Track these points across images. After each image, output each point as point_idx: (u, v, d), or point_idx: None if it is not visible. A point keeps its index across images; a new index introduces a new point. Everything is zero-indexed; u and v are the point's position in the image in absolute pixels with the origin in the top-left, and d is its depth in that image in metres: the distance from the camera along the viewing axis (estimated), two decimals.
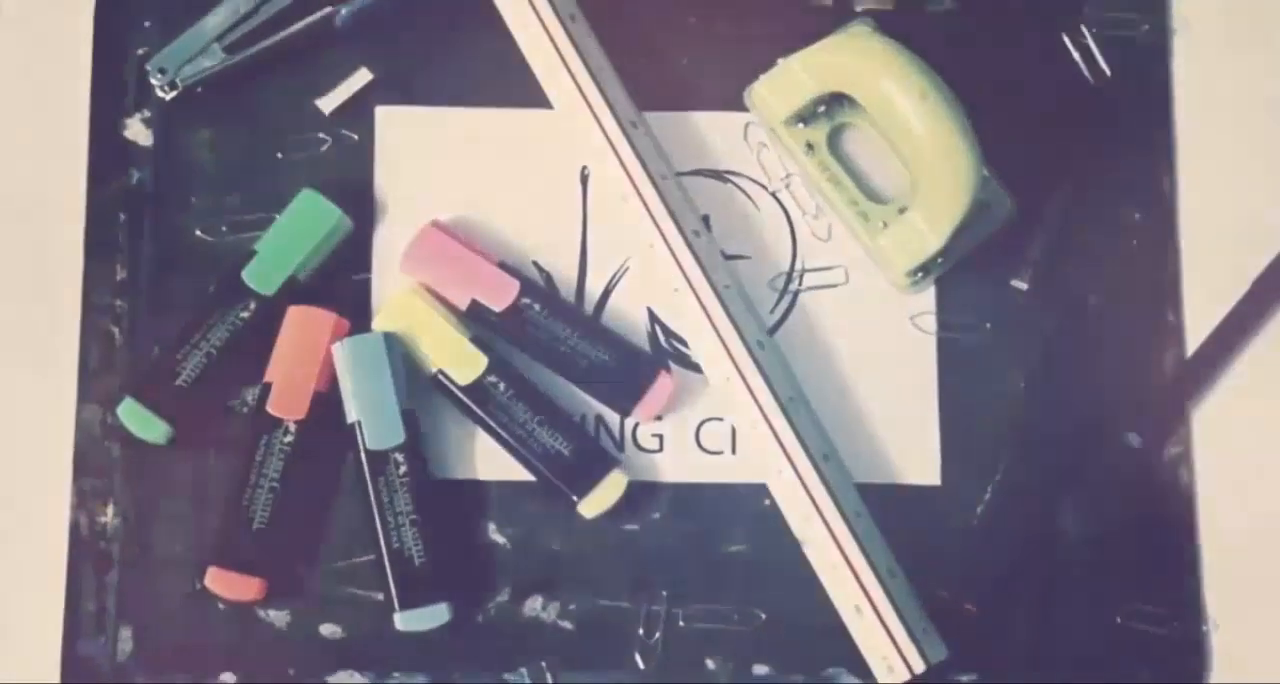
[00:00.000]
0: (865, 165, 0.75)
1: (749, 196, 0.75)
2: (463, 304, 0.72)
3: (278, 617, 0.71)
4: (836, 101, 0.74)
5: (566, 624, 0.71)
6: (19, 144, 0.75)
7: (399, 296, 0.72)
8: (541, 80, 0.74)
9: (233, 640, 0.71)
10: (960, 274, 0.74)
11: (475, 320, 0.73)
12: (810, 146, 0.74)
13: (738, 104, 0.75)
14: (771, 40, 0.75)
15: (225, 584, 0.70)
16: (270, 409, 0.70)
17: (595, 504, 0.71)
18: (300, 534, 0.72)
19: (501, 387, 0.72)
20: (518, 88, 0.75)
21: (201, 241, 0.74)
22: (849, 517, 0.70)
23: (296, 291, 0.72)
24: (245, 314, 0.72)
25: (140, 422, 0.71)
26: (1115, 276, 0.75)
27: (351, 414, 0.70)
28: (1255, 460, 0.74)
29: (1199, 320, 0.75)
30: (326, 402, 0.71)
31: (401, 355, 0.71)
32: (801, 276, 0.74)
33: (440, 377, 0.72)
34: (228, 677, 0.71)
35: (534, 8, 0.73)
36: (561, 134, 0.74)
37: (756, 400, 0.71)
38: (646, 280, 0.74)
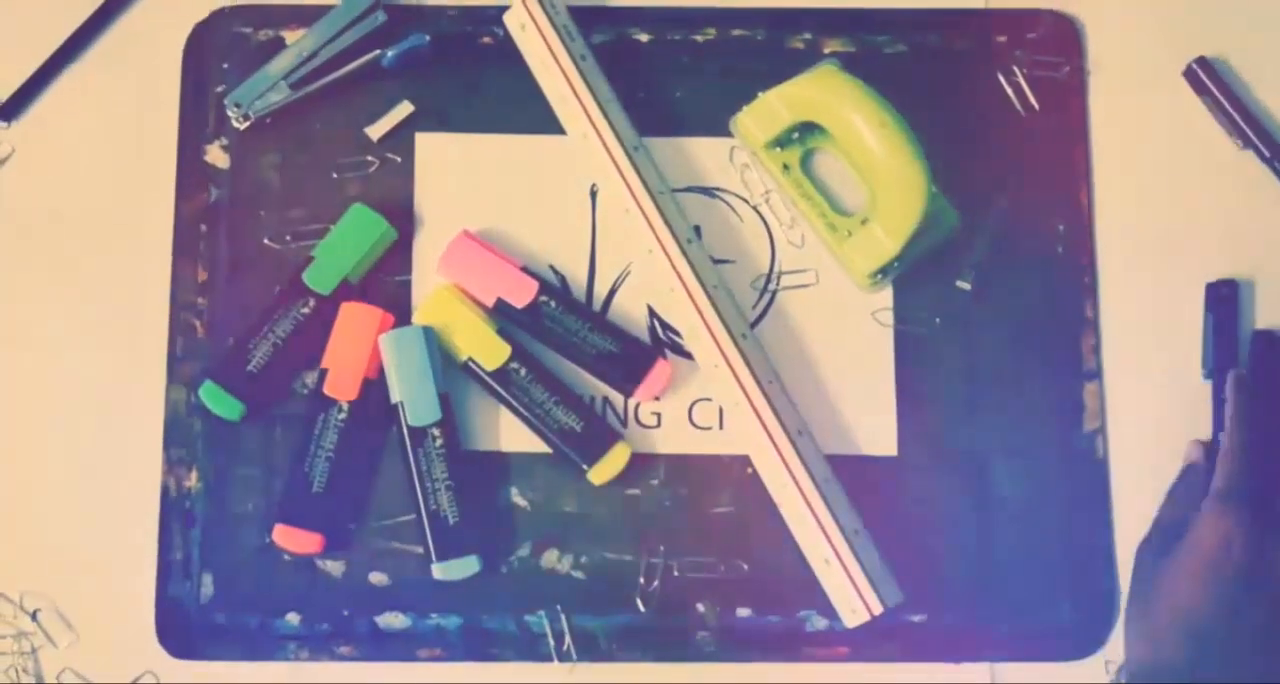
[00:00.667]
0: (833, 183, 0.76)
1: (734, 210, 0.76)
2: (489, 301, 0.74)
3: (334, 566, 0.73)
4: (808, 129, 0.75)
5: (578, 574, 0.73)
6: (119, 166, 0.77)
7: (435, 294, 0.73)
8: (557, 111, 0.75)
9: (297, 586, 0.73)
10: (913, 277, 0.76)
11: (500, 315, 0.74)
12: (786, 167, 0.75)
13: (724, 131, 0.77)
14: (752, 77, 0.77)
15: (290, 539, 0.72)
16: (327, 391, 0.72)
17: (603, 472, 0.72)
18: (352, 497, 0.73)
19: (523, 372, 0.73)
20: (537, 118, 0.76)
21: (269, 249, 0.76)
22: (819, 482, 0.71)
23: (349, 290, 0.74)
24: (306, 310, 0.74)
25: (218, 401, 0.73)
26: (1043, 278, 0.76)
27: (395, 395, 0.72)
28: (1159, 435, 0.76)
29: (1113, 316, 0.76)
30: (374, 386, 0.73)
31: (438, 346, 0.72)
32: (779, 278, 0.76)
33: (470, 363, 0.73)
34: (292, 617, 0.73)
35: (551, 50, 0.74)
36: (574, 157, 0.76)
37: (740, 383, 0.72)
38: (646, 281, 0.75)
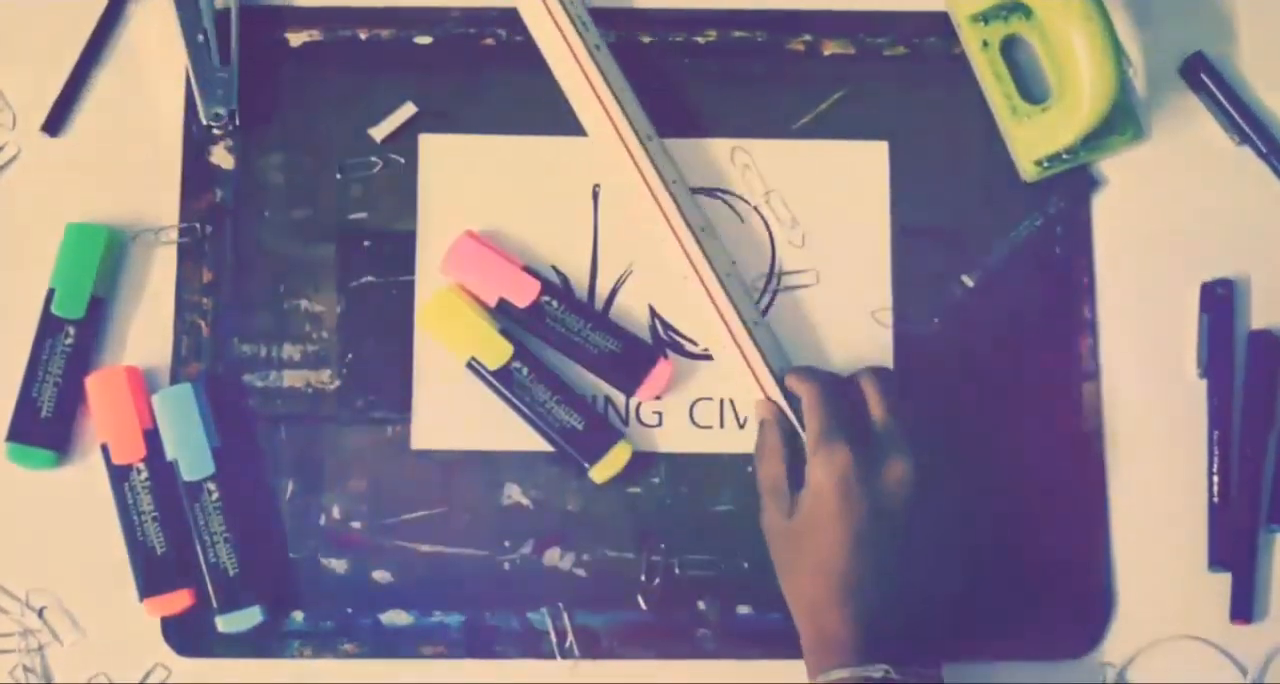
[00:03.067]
0: (1024, 71, 0.77)
1: (734, 210, 0.76)
2: (492, 301, 0.73)
3: (338, 564, 0.72)
4: (1015, 10, 0.76)
5: (580, 572, 0.72)
6: (128, 166, 0.76)
7: (438, 294, 0.73)
8: (573, 102, 0.74)
9: (301, 584, 0.72)
10: (913, 275, 0.75)
11: (503, 315, 0.73)
12: (985, 43, 0.76)
13: (725, 132, 0.76)
14: (752, 79, 0.76)
15: (161, 607, 0.71)
16: (116, 461, 0.71)
17: (604, 470, 0.72)
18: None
19: (525, 371, 0.72)
20: (540, 119, 0.76)
21: (273, 249, 0.75)
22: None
23: (101, 305, 0.73)
24: (69, 340, 0.72)
25: (28, 457, 0.72)
26: (1041, 278, 0.76)
27: (170, 452, 0.71)
28: (1156, 430, 0.75)
29: (1111, 316, 0.76)
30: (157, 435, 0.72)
31: (207, 401, 0.72)
32: (779, 278, 0.75)
33: (474, 363, 0.72)
34: (297, 614, 0.72)
35: (566, 40, 0.73)
36: (577, 158, 0.75)
37: (751, 368, 0.72)
38: (648, 280, 0.74)
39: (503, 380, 0.73)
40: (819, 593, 0.66)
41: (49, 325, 0.72)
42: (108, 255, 0.73)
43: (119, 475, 0.71)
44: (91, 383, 0.72)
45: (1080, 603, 0.73)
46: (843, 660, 0.65)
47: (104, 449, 0.72)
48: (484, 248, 0.73)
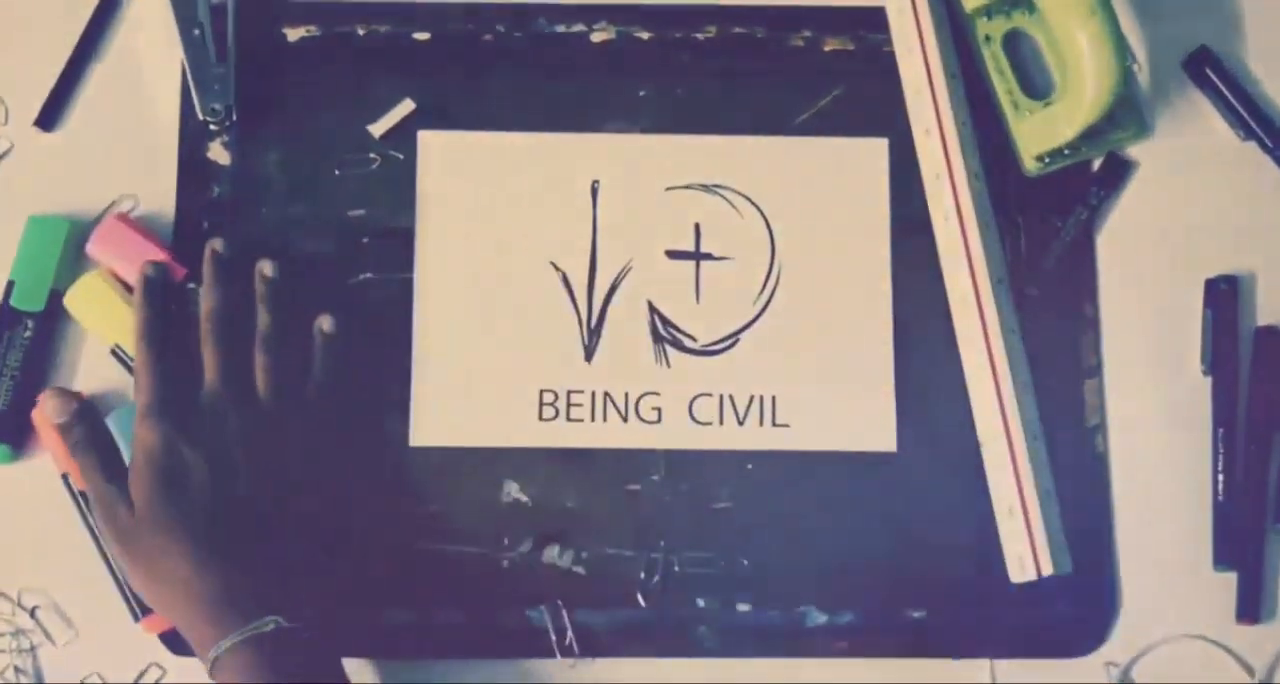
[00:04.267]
0: (1027, 66, 0.76)
1: (734, 207, 0.75)
2: None
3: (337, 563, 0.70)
4: (1020, 5, 0.75)
5: (579, 570, 0.71)
6: (123, 161, 0.75)
7: (85, 279, 0.71)
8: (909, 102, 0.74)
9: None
10: (912, 269, 0.74)
11: None
12: (988, 38, 0.75)
13: (723, 128, 0.75)
14: (751, 76, 0.76)
15: (160, 622, 0.68)
16: (79, 488, 0.69)
17: None
18: None
19: None
20: (539, 115, 0.75)
21: (271, 245, 0.73)
22: (1029, 437, 0.70)
23: (58, 299, 0.71)
24: (27, 333, 0.71)
25: None
26: (1043, 273, 0.75)
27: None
28: (1160, 428, 0.74)
29: (1113, 312, 0.75)
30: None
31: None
32: (778, 274, 0.74)
33: (118, 350, 0.71)
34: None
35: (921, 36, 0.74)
36: (576, 154, 0.74)
37: (984, 325, 0.71)
38: (647, 278, 0.73)
39: None
40: (179, 573, 0.65)
41: (6, 318, 0.71)
42: (69, 248, 0.72)
43: (86, 501, 0.69)
44: (39, 415, 0.70)
45: (1083, 601, 0.72)
46: (227, 629, 0.63)
47: (64, 479, 0.70)
48: (131, 232, 0.72)
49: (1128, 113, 0.75)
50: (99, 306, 0.71)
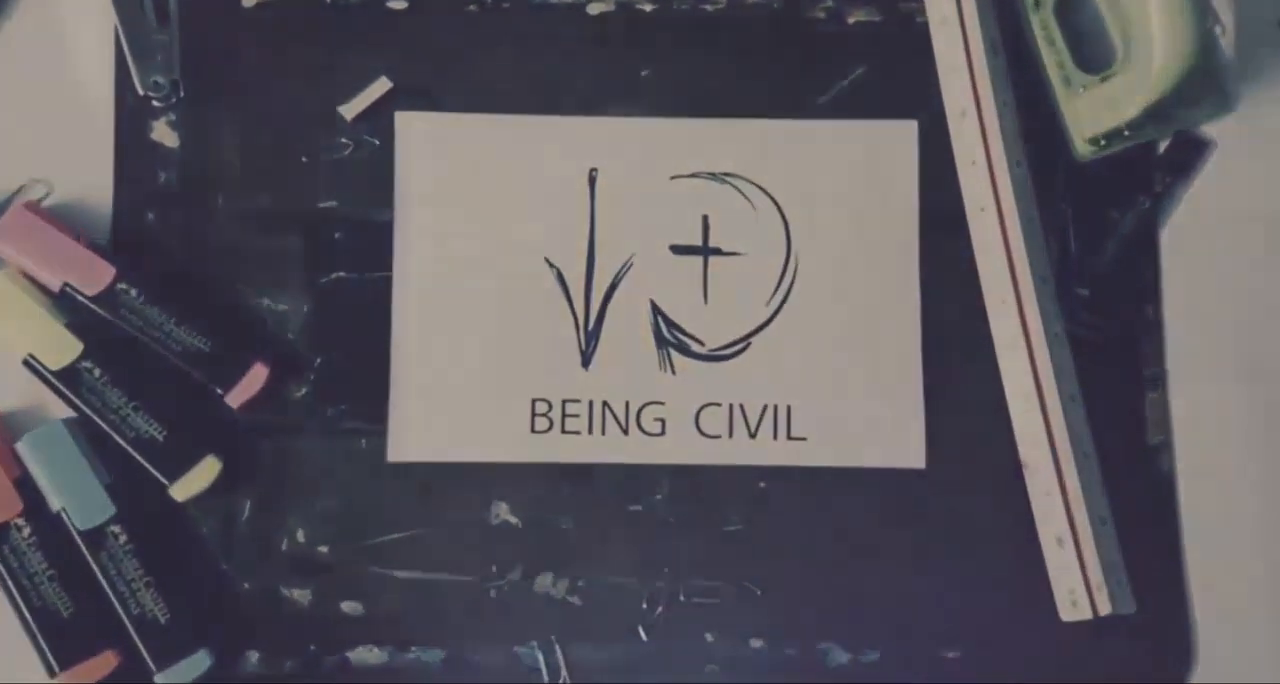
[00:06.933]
0: (1082, 34, 0.71)
1: (745, 197, 0.71)
2: (55, 287, 0.67)
3: (300, 594, 0.67)
4: None
5: (575, 600, 0.67)
6: (52, 143, 0.70)
7: None
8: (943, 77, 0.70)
9: (257, 619, 0.67)
10: (941, 259, 0.69)
11: (69, 304, 0.67)
12: (1037, 3, 0.70)
13: (734, 111, 0.71)
14: (765, 52, 0.71)
15: (82, 675, 0.63)
16: None
17: (186, 488, 0.66)
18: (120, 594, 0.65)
19: (96, 372, 0.66)
20: (529, 95, 0.71)
21: (229, 240, 0.70)
22: (1078, 456, 0.65)
23: None
24: None
25: None
26: (1101, 275, 0.70)
27: (55, 503, 0.65)
28: (1234, 447, 0.69)
29: (1177, 315, 0.70)
30: (32, 483, 0.65)
31: (87, 435, 0.66)
32: (795, 270, 0.70)
33: (31, 360, 0.66)
34: (251, 654, 0.67)
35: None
36: (571, 139, 0.71)
37: (1026, 329, 0.67)
38: (651, 275, 0.70)
39: (66, 382, 0.66)
40: None
41: None
42: None
43: None
44: None
45: (1152, 647, 0.69)
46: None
47: None
48: (42, 223, 0.67)
49: (1205, 85, 0.68)
50: (7, 311, 0.66)
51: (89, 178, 0.69)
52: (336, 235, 0.70)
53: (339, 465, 0.68)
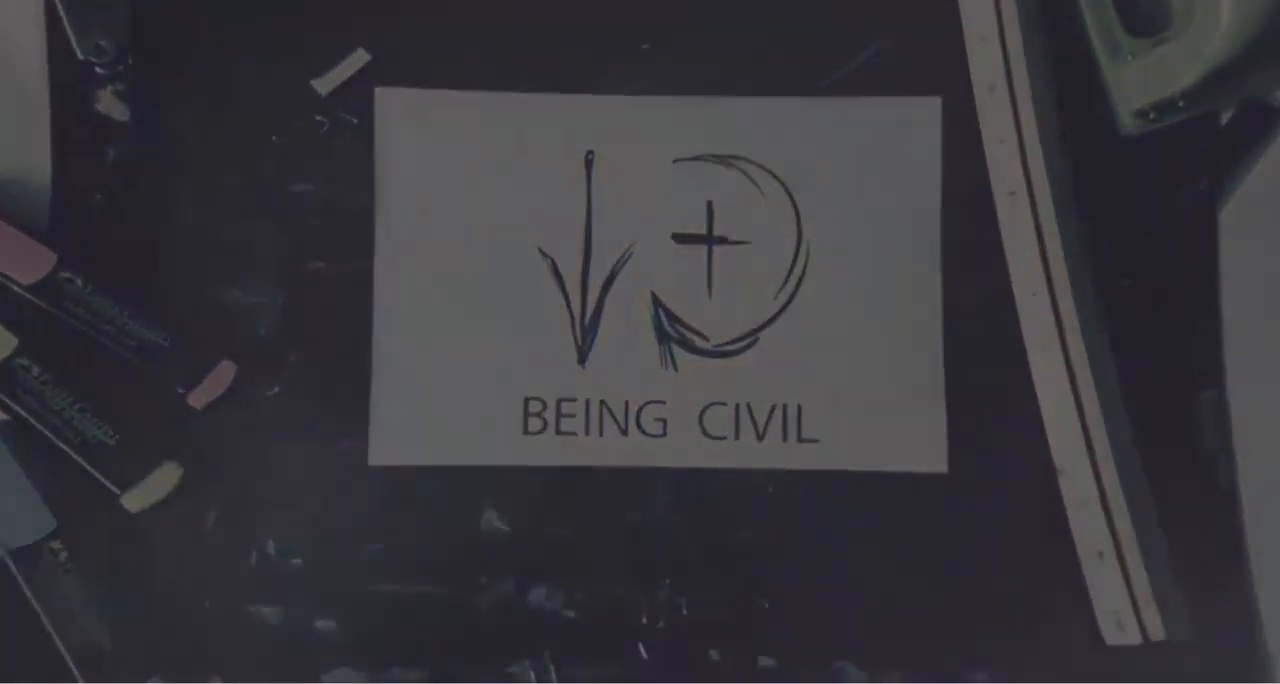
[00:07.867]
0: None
1: (753, 181, 0.69)
2: None
3: (271, 613, 0.65)
4: None
5: (569, 613, 0.66)
6: None
7: None
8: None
9: (222, 641, 0.65)
10: (965, 248, 0.67)
11: (4, 296, 0.65)
12: None
13: (741, 90, 0.69)
14: (773, 26, 0.68)
15: None
16: None
17: (140, 498, 0.64)
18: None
19: (35, 371, 0.64)
20: (521, 70, 0.69)
21: (192, 226, 0.67)
22: (1119, 461, 0.63)
23: None
24: None
25: None
26: (1143, 258, 0.68)
27: None
28: None
29: (1239, 308, 0.67)
30: None
31: (23, 441, 0.63)
32: (806, 260, 0.68)
33: None
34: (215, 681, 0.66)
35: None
36: (566, 118, 0.69)
37: (1060, 324, 0.64)
38: (652, 265, 0.69)
39: (2, 383, 0.64)
40: None
41: None
42: None
43: None
44: None
45: (1216, 676, 0.66)
46: None
47: None
48: None
49: (1276, 47, 0.64)
50: None
51: (23, 154, 0.66)
52: (312, 222, 0.67)
53: (315, 471, 0.66)
